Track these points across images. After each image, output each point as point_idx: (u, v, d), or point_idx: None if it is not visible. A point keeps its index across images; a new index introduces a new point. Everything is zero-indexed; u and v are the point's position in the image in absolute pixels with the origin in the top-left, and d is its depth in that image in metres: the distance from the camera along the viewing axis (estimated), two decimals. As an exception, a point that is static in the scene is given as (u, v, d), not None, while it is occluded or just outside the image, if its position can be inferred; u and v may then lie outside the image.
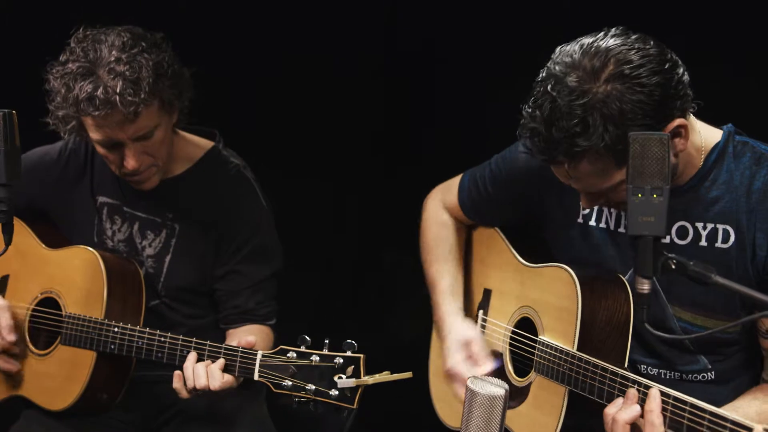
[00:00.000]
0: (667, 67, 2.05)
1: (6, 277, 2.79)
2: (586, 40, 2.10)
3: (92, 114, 2.44)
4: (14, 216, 2.58)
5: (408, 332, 3.31)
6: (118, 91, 2.41)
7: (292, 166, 3.65)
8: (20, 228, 2.74)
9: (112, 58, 2.45)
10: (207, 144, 2.80)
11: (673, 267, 1.95)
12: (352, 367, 2.24)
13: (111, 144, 2.54)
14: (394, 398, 2.94)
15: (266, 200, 2.79)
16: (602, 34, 2.10)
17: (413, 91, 3.70)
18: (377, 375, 2.25)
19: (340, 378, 2.24)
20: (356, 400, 2.23)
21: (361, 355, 2.24)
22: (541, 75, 2.12)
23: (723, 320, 2.23)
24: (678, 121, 2.08)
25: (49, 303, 2.70)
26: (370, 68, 3.66)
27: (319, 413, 2.28)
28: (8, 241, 2.40)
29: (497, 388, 1.88)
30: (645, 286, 1.96)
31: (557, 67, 2.08)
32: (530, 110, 2.10)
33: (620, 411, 2.05)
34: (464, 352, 2.46)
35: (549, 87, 2.07)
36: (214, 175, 2.75)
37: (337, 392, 2.23)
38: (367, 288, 3.86)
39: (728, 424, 1.87)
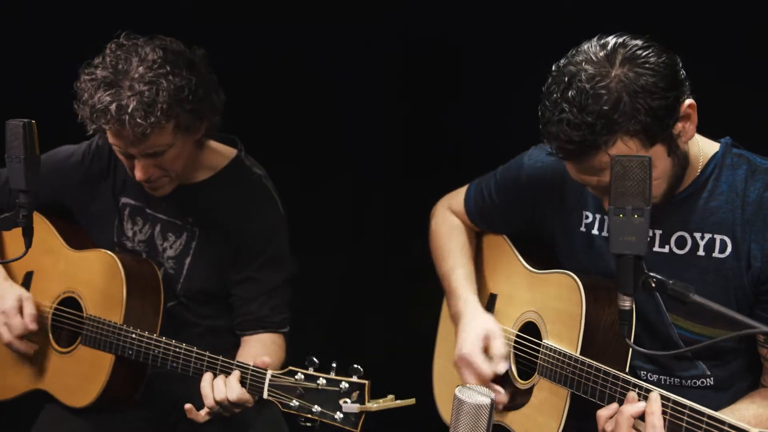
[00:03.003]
0: (668, 52, 2.16)
1: (30, 273, 2.88)
2: (586, 43, 2.19)
3: (103, 126, 2.51)
4: (40, 214, 2.70)
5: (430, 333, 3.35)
6: (129, 111, 2.46)
7: (315, 163, 3.70)
8: (45, 227, 2.84)
9: (137, 75, 2.50)
10: (230, 153, 2.85)
11: (653, 285, 2.03)
12: (357, 392, 2.30)
13: (123, 153, 2.62)
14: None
15: (284, 209, 2.84)
16: (596, 36, 2.20)
17: (438, 81, 3.70)
18: (381, 401, 2.31)
19: (345, 402, 2.30)
20: (359, 424, 2.30)
21: (366, 382, 2.30)
22: (550, 78, 2.19)
23: (720, 328, 2.27)
24: (689, 101, 2.17)
25: (70, 303, 2.79)
26: (393, 55, 3.68)
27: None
28: (28, 244, 2.48)
29: (483, 397, 1.92)
30: (626, 303, 2.06)
31: (569, 67, 2.16)
32: (552, 104, 2.15)
33: (626, 405, 2.13)
34: (483, 343, 2.50)
35: (566, 79, 2.14)
36: (237, 184, 2.80)
37: (341, 416, 2.30)
38: (392, 286, 3.90)
39: (725, 428, 1.94)
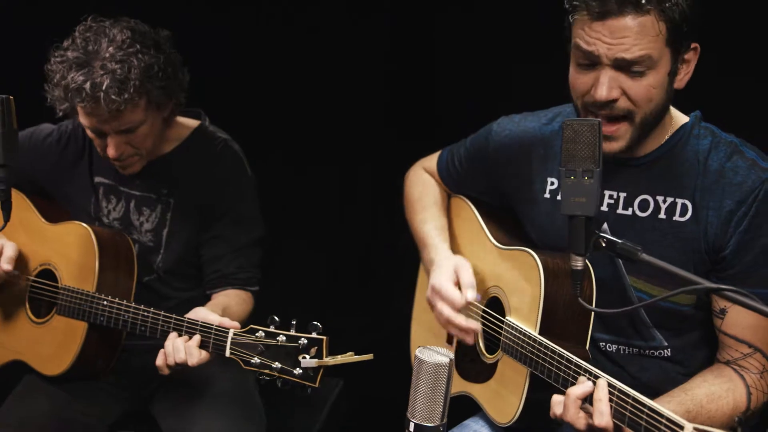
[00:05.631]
0: None
1: (11, 250, 2.95)
2: None
3: (78, 104, 2.59)
4: (18, 190, 2.76)
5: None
6: (103, 88, 2.55)
7: (302, 148, 3.73)
8: (22, 202, 2.91)
9: (107, 54, 2.59)
10: (194, 123, 2.94)
11: (603, 245, 2.07)
12: (316, 348, 2.34)
13: (96, 132, 2.69)
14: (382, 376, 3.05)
15: (251, 171, 2.92)
16: None
17: (431, 72, 3.74)
18: (339, 356, 2.35)
19: (304, 358, 2.34)
20: (318, 379, 2.34)
21: (324, 337, 2.34)
22: None
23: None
24: (696, 45, 2.24)
25: (46, 275, 2.85)
26: (377, 41, 3.71)
27: (286, 389, 2.39)
28: (6, 218, 2.56)
29: (443, 357, 1.95)
30: (578, 263, 2.10)
31: None
32: None
33: (572, 387, 2.13)
34: (454, 276, 2.50)
35: None
36: (203, 150, 2.89)
37: (300, 371, 2.34)
38: (376, 267, 3.92)
39: (663, 420, 1.94)
